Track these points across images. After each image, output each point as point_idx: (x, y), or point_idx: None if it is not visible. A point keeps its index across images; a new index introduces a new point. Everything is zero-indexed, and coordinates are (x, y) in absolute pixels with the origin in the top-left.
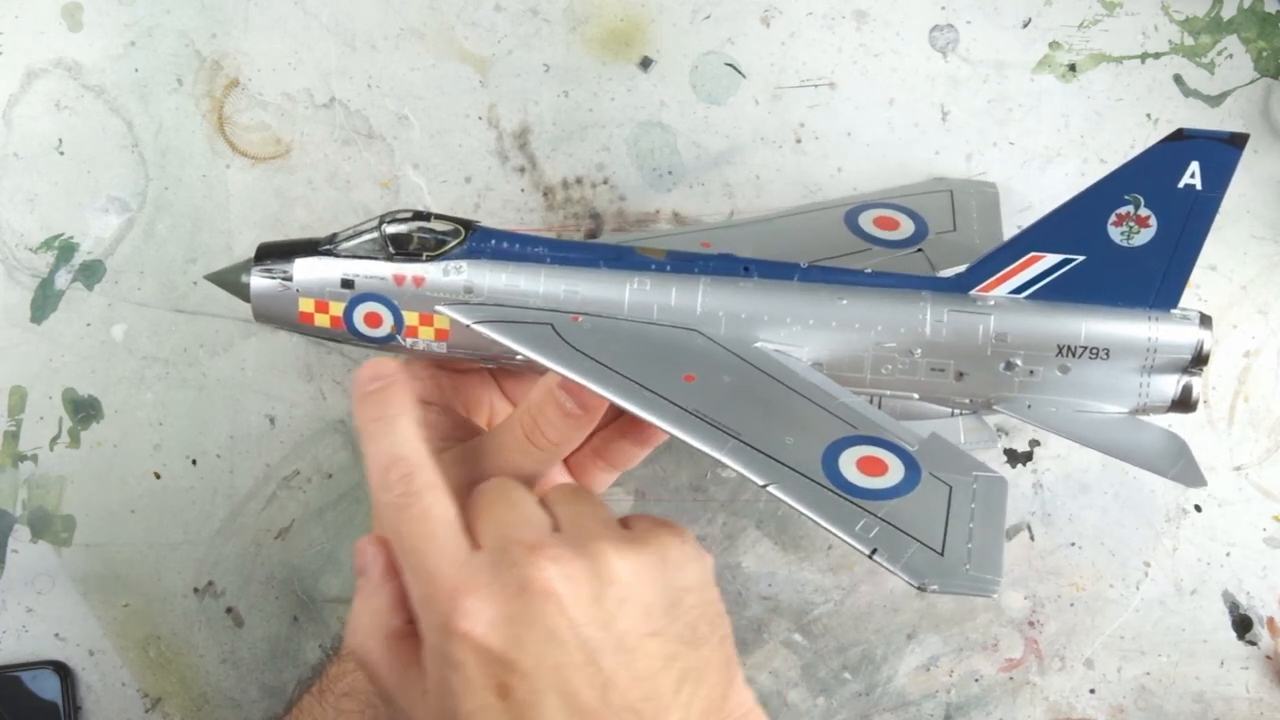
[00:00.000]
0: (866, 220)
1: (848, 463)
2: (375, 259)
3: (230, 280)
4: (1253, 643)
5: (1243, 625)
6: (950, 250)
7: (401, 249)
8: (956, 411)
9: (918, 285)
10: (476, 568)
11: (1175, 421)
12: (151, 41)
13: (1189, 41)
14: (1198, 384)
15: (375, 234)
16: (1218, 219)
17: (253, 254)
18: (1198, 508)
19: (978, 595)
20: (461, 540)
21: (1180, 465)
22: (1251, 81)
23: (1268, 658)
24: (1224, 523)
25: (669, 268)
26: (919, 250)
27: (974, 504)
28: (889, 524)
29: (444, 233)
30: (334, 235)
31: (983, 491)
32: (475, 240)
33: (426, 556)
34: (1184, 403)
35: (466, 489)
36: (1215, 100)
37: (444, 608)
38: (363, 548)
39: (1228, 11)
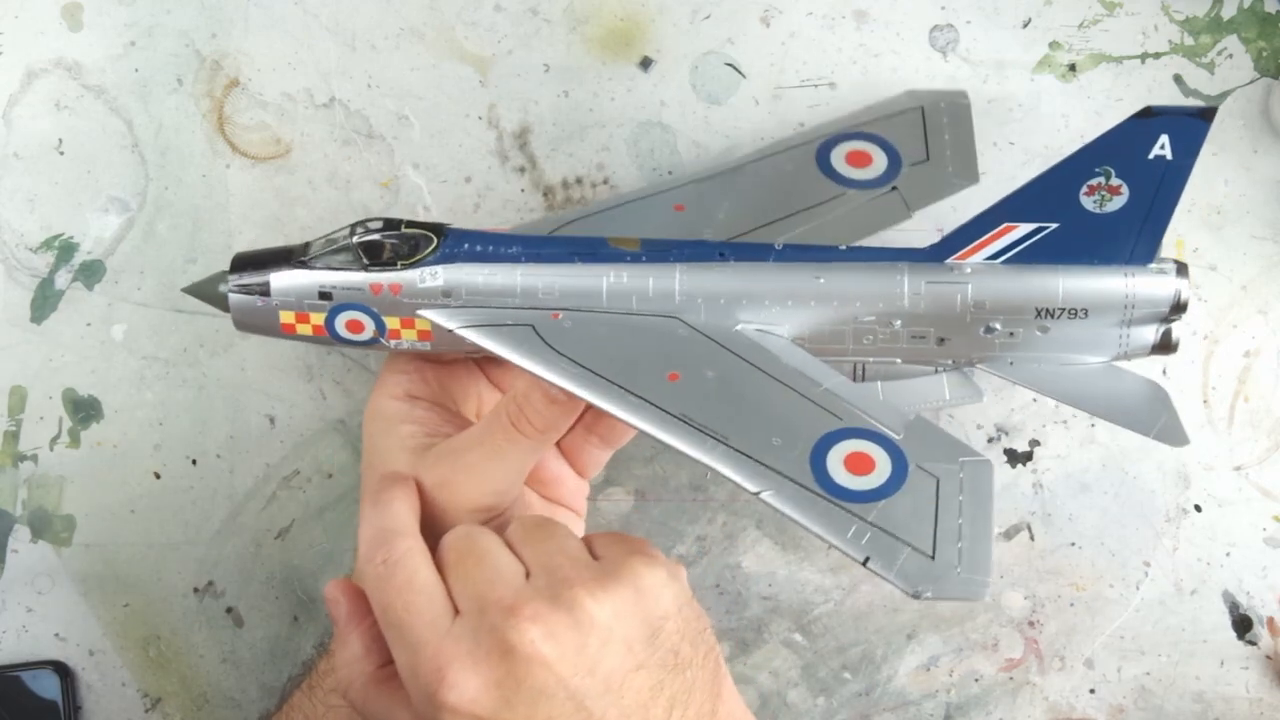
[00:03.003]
0: (839, 158)
1: (835, 462)
2: (350, 270)
3: (208, 292)
4: (1253, 643)
5: (1243, 625)
6: (924, 184)
7: (375, 258)
8: (940, 369)
9: (894, 257)
10: (457, 637)
11: None
12: (151, 41)
13: (1189, 41)
14: (1177, 328)
15: (347, 245)
16: (1218, 219)
17: (228, 265)
18: (1198, 508)
19: (969, 599)
20: (442, 607)
21: (1162, 422)
22: (1251, 81)
23: (1268, 658)
24: (1224, 523)
25: (644, 258)
26: (893, 189)
27: (962, 495)
28: (879, 528)
29: (416, 240)
30: (308, 245)
31: (969, 480)
32: (448, 246)
33: (410, 629)
34: (1164, 345)
35: (451, 486)
36: (1215, 100)
37: (430, 680)
38: (332, 596)
39: (1228, 11)
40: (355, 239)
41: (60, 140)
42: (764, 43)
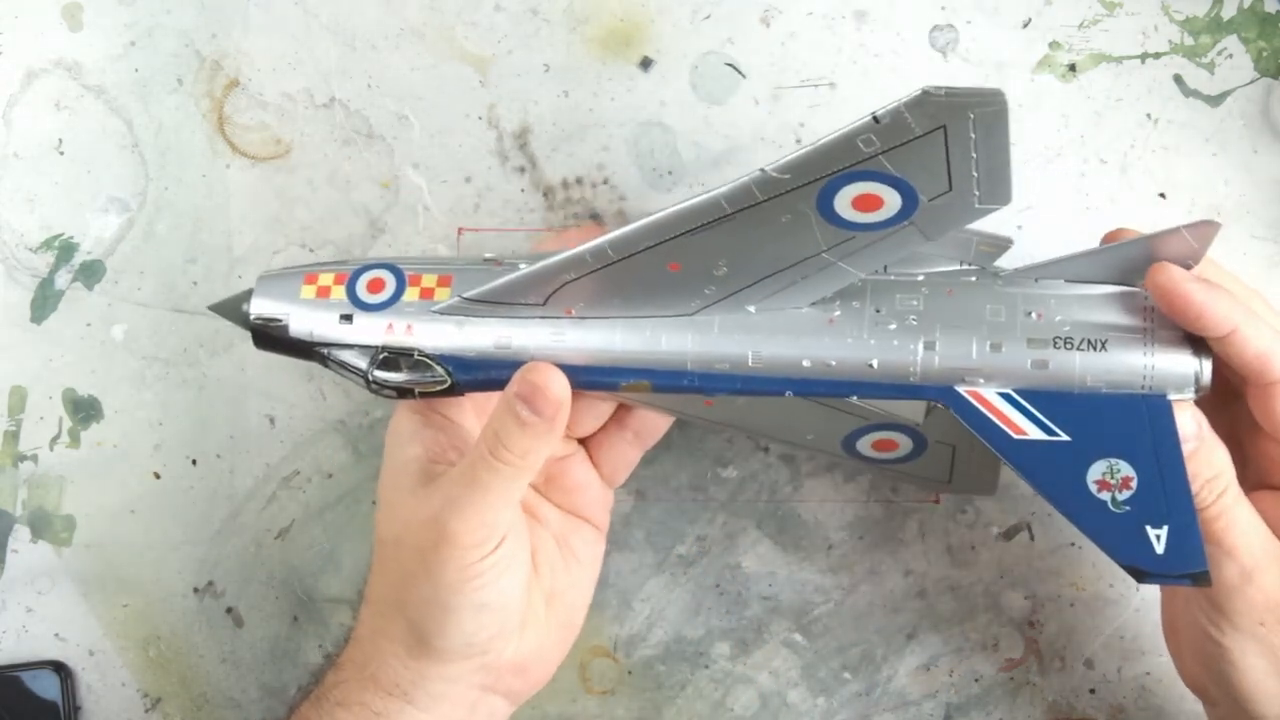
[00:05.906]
0: (844, 204)
1: (865, 445)
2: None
3: (231, 311)
4: None
5: None
6: (946, 216)
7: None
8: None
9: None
10: None
11: None
12: (151, 41)
13: (1189, 41)
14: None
15: (364, 383)
16: (1218, 219)
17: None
18: None
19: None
20: None
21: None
22: (1251, 81)
23: None
24: None
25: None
26: (909, 224)
27: (974, 450)
28: (902, 473)
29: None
30: (324, 357)
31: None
32: (459, 390)
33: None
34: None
35: (440, 523)
36: (1215, 100)
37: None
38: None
39: (1228, 11)
40: (371, 386)
41: (60, 140)
42: (764, 43)
